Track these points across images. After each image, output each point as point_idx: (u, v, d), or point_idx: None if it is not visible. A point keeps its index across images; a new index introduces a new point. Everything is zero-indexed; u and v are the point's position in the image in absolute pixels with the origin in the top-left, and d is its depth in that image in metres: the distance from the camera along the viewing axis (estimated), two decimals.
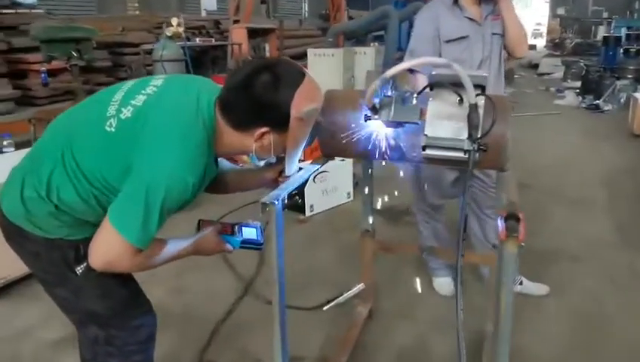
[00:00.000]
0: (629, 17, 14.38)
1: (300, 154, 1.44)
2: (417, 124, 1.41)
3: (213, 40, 7.65)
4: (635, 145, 6.18)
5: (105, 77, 7.13)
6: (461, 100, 1.37)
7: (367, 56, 7.01)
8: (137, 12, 10.35)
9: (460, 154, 1.37)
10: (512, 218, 1.14)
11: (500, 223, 1.15)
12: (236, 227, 1.55)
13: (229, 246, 1.53)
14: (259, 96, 1.27)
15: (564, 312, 2.64)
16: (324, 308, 2.52)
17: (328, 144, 1.63)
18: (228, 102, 1.31)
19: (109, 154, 1.27)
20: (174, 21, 5.67)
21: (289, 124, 1.30)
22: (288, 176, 1.57)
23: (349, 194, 4.25)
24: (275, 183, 1.61)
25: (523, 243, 1.13)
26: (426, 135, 1.40)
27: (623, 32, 10.14)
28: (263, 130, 1.30)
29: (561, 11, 26.35)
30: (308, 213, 3.98)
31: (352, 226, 3.65)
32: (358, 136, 1.55)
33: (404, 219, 3.81)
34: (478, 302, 2.45)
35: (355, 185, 4.26)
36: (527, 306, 2.63)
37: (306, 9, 17.00)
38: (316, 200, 4.03)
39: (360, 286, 2.47)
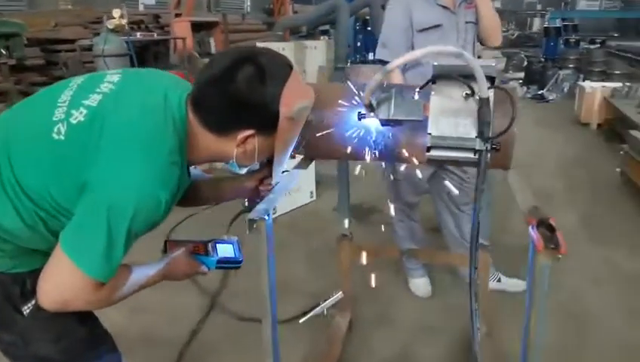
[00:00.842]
0: (564, 9, 14.94)
1: (288, 158, 1.25)
2: (421, 121, 1.25)
3: (155, 34, 7.23)
4: (584, 134, 6.34)
5: (38, 76, 6.57)
6: (468, 94, 1.22)
7: (317, 51, 6.84)
8: (70, 6, 9.68)
9: (470, 155, 1.22)
10: (544, 226, 1.00)
11: (533, 232, 1.01)
12: (210, 245, 1.34)
13: (203, 268, 1.32)
14: (242, 94, 1.06)
15: (550, 313, 2.58)
16: (300, 321, 2.35)
17: (313, 145, 1.45)
18: (203, 101, 1.10)
19: (58, 168, 1.03)
20: (116, 13, 5.27)
21: (277, 125, 1.10)
22: (271, 185, 1.38)
23: (312, 193, 4.08)
24: (254, 193, 1.42)
25: (560, 256, 0.99)
26: (430, 134, 1.24)
27: (559, 23, 10.47)
28: (247, 133, 1.10)
29: (497, 4, 27.17)
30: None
31: (320, 228, 3.50)
32: (349, 136, 1.37)
33: (372, 218, 3.68)
34: (457, 301, 2.34)
35: (317, 183, 4.10)
36: (507, 304, 2.55)
37: (248, 3, 16.63)
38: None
39: (338, 295, 2.30)
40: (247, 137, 1.11)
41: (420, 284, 2.72)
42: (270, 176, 1.35)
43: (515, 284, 2.71)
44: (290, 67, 1.13)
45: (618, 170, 4.33)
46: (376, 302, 2.62)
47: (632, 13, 13.91)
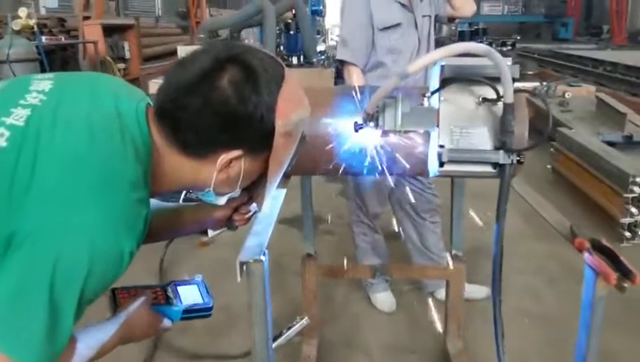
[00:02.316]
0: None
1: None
2: (433, 131, 1.08)
3: (62, 38, 6.60)
4: None
5: None
6: (486, 99, 1.07)
7: None
8: None
9: (488, 169, 1.08)
10: (603, 252, 0.86)
11: (591, 258, 0.87)
12: (169, 290, 1.07)
13: (167, 323, 1.04)
14: (229, 104, 0.82)
15: (509, 314, 2.52)
16: None
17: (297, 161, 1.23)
18: (174, 114, 0.84)
19: None
20: (22, 12, 4.66)
21: (271, 142, 0.87)
22: (249, 213, 1.14)
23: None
24: (223, 224, 1.17)
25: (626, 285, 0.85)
26: (441, 146, 1.07)
27: (466, 28, 10.93)
28: (233, 154, 0.86)
29: None
30: (210, 233, 3.45)
31: (270, 244, 3.25)
32: (342, 150, 1.18)
33: (319, 228, 3.50)
34: (423, 315, 2.22)
35: None
36: (473, 312, 2.47)
37: (159, 6, 15.88)
38: None
39: (303, 320, 2.09)
40: (232, 160, 0.87)
41: (384, 299, 2.58)
42: (248, 203, 1.12)
43: (478, 291, 2.64)
44: (282, 67, 0.90)
45: (549, 166, 4.47)
46: (341, 322, 2.45)
47: (532, 17, 14.88)
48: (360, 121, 1.11)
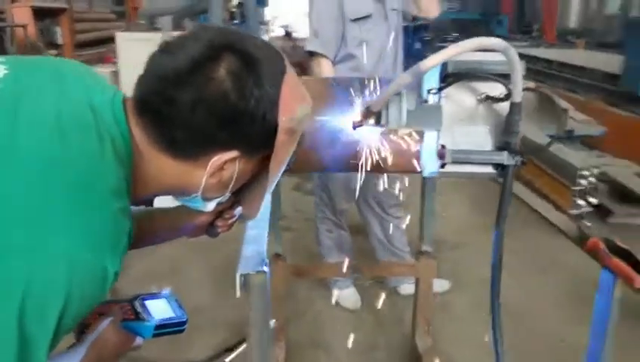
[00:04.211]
0: None
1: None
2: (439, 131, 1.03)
3: None
4: None
5: None
6: (489, 97, 1.03)
7: None
8: None
9: (489, 170, 1.05)
10: (621, 255, 0.84)
11: (611, 262, 0.85)
12: (137, 304, 0.96)
13: (138, 341, 0.93)
14: (228, 98, 0.71)
15: (471, 307, 2.57)
16: (227, 360, 2.02)
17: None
18: (159, 109, 0.72)
19: None
20: None
21: (270, 141, 0.77)
22: (229, 219, 1.04)
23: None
24: (206, 231, 1.06)
25: None
26: (443, 146, 1.03)
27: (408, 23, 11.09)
28: (228, 155, 0.75)
29: None
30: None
31: (220, 242, 3.12)
32: (336, 148, 1.11)
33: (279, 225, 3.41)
34: (387, 311, 2.19)
35: None
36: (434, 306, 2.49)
37: None
38: None
39: (271, 323, 2.01)
40: (226, 161, 0.76)
41: (348, 296, 2.55)
42: (232, 207, 1.01)
43: (439, 284, 2.66)
44: (283, 56, 0.80)
45: None
46: (306, 322, 2.39)
47: (469, 15, 15.32)
48: (358, 118, 1.04)
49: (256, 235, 0.94)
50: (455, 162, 1.01)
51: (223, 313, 2.45)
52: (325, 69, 2.08)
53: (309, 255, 2.85)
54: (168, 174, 0.78)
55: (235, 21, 8.58)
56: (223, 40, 0.74)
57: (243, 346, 1.91)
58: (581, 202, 3.23)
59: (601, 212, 3.26)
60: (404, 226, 2.53)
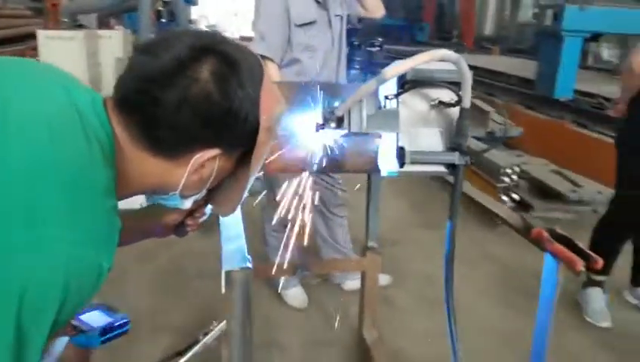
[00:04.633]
0: None
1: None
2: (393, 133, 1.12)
3: None
4: None
5: None
6: (442, 102, 1.13)
7: (113, 41, 6.07)
8: None
9: (441, 169, 1.15)
10: (562, 242, 0.96)
11: (554, 248, 0.96)
12: (72, 321, 0.98)
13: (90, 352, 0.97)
14: (212, 99, 0.74)
15: (410, 299, 2.70)
16: None
17: None
18: (144, 109, 0.74)
19: None
20: None
21: (250, 140, 0.81)
22: (200, 218, 1.07)
23: (141, 204, 3.57)
24: (172, 231, 1.08)
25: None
26: (401, 148, 1.12)
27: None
28: (210, 153, 0.79)
29: None
30: None
31: (162, 245, 3.08)
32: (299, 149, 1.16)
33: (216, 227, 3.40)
34: (335, 308, 2.30)
35: None
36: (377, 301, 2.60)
37: None
38: None
39: (222, 324, 2.03)
40: (207, 159, 0.79)
41: (296, 295, 2.60)
42: (203, 205, 1.04)
43: (382, 279, 2.78)
44: (259, 58, 0.84)
45: None
46: (256, 323, 2.41)
47: (393, 21, 15.86)
48: (320, 121, 1.11)
49: (233, 234, 0.98)
50: (412, 162, 1.10)
51: (168, 318, 2.43)
52: (272, 72, 2.12)
53: (255, 255, 2.87)
54: (150, 173, 0.79)
55: (163, 20, 8.39)
56: (205, 42, 0.77)
57: (194, 349, 1.92)
58: (505, 198, 3.49)
59: (522, 207, 3.53)
60: (346, 224, 2.62)
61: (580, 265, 0.92)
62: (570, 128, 4.75)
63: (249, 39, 2.49)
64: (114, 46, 6.14)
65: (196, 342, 1.94)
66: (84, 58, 5.78)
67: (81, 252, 0.67)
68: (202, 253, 3.05)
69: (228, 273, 0.86)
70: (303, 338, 2.34)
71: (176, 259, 3.03)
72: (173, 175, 0.80)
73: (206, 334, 1.96)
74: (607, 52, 8.75)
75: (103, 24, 6.24)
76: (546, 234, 0.99)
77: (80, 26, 6.28)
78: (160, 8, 8.44)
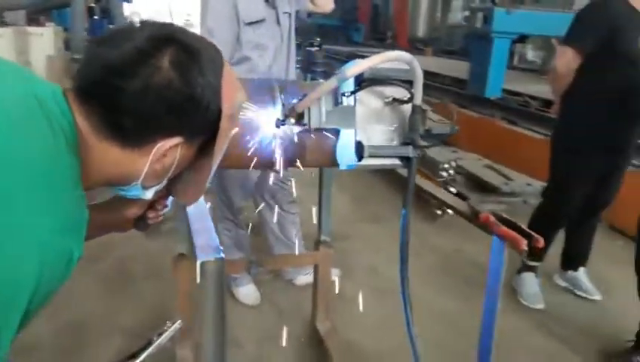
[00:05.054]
0: None
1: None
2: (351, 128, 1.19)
3: None
4: None
5: None
6: (396, 99, 1.21)
7: (44, 38, 5.82)
8: None
9: (396, 162, 1.23)
10: (507, 225, 1.06)
11: (499, 230, 1.06)
12: None
13: None
14: (174, 87, 0.76)
15: (358, 289, 2.78)
16: None
17: None
18: (107, 99, 0.75)
19: None
20: None
21: (212, 128, 0.83)
22: (162, 210, 1.08)
23: None
24: (131, 225, 1.07)
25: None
26: (359, 142, 1.19)
27: None
28: (173, 142, 0.79)
29: None
30: None
31: (105, 246, 2.99)
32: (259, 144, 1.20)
33: (164, 227, 3.35)
34: (287, 303, 2.33)
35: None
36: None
37: None
38: None
39: (176, 324, 2.02)
40: (170, 148, 0.80)
41: (249, 292, 2.62)
42: (165, 197, 1.04)
43: (333, 273, 2.85)
44: (218, 50, 0.86)
45: None
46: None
47: (331, 21, 16.07)
48: (280, 117, 1.16)
49: (203, 227, 1.00)
50: (370, 156, 1.17)
51: (119, 320, 2.39)
52: None
53: None
54: (111, 163, 0.80)
55: (95, 17, 8.08)
56: (165, 32, 0.79)
57: (148, 350, 1.91)
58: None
59: (461, 200, 3.73)
60: (298, 221, 2.68)
61: (524, 244, 1.03)
62: (500, 125, 5.04)
63: None
64: (45, 43, 5.90)
65: (150, 343, 1.92)
66: (12, 56, 5.49)
67: (54, 239, 0.68)
68: (148, 254, 3.01)
69: (203, 264, 0.88)
70: (257, 335, 2.37)
71: (122, 261, 2.97)
72: (135, 164, 0.81)
73: (160, 334, 1.94)
74: (531, 53, 9.31)
75: (33, 21, 5.93)
76: (492, 218, 1.09)
77: (5, 24, 5.95)
78: (92, 5, 8.12)
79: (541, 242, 1.02)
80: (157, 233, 3.27)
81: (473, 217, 1.17)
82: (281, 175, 2.42)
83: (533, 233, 1.04)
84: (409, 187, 1.19)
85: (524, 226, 1.09)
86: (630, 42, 2.27)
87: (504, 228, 1.08)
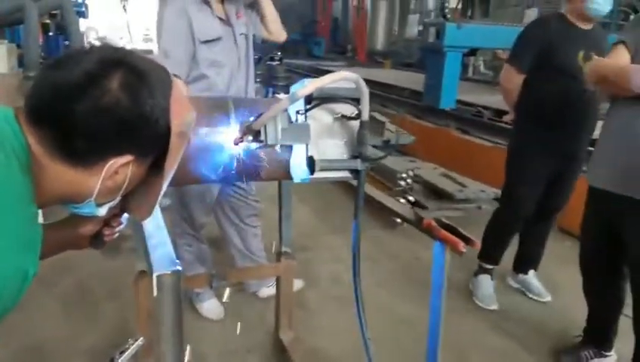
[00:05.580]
0: None
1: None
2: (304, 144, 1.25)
3: None
4: None
5: None
6: (345, 116, 1.29)
7: None
8: None
9: (347, 174, 1.30)
10: (448, 229, 1.15)
11: (441, 234, 1.14)
12: None
13: None
14: (124, 108, 0.79)
15: (321, 301, 2.86)
16: None
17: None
18: (57, 121, 0.78)
19: None
20: None
21: (163, 146, 0.86)
22: (117, 226, 1.10)
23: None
24: (87, 243, 1.09)
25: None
26: (311, 157, 1.26)
27: None
28: (123, 160, 0.82)
29: None
30: None
31: (63, 266, 2.94)
32: (216, 160, 1.25)
33: (124, 245, 3.33)
34: (250, 316, 2.39)
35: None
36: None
37: None
38: None
39: (138, 341, 2.02)
40: (121, 165, 0.83)
41: (211, 307, 2.64)
42: (119, 214, 1.07)
43: (295, 283, 2.90)
44: (167, 71, 0.91)
45: None
46: None
47: (291, 35, 16.23)
48: (238, 135, 1.21)
49: (158, 241, 1.04)
50: (321, 169, 1.24)
51: (81, 342, 2.37)
52: (180, 88, 2.15)
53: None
54: (64, 182, 0.82)
55: (50, 33, 7.95)
56: (114, 56, 0.82)
57: None
58: (402, 200, 3.77)
59: (417, 208, 3.85)
60: (260, 233, 2.72)
61: (462, 246, 1.12)
62: (455, 135, 5.22)
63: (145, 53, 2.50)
64: None
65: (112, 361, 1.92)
66: None
67: (7, 257, 0.70)
68: (107, 274, 2.99)
69: (159, 277, 0.92)
70: (220, 348, 2.39)
71: (81, 282, 2.94)
72: (87, 182, 0.83)
73: (122, 353, 1.94)
74: (483, 65, 9.67)
75: None
76: (434, 224, 1.18)
77: None
78: (47, 21, 7.98)
79: (477, 245, 1.12)
80: (117, 252, 3.25)
81: (418, 223, 1.25)
82: (244, 189, 2.52)
83: (470, 236, 1.13)
84: (358, 197, 1.27)
85: (463, 231, 1.18)
86: (566, 57, 2.43)
87: (444, 232, 1.16)
